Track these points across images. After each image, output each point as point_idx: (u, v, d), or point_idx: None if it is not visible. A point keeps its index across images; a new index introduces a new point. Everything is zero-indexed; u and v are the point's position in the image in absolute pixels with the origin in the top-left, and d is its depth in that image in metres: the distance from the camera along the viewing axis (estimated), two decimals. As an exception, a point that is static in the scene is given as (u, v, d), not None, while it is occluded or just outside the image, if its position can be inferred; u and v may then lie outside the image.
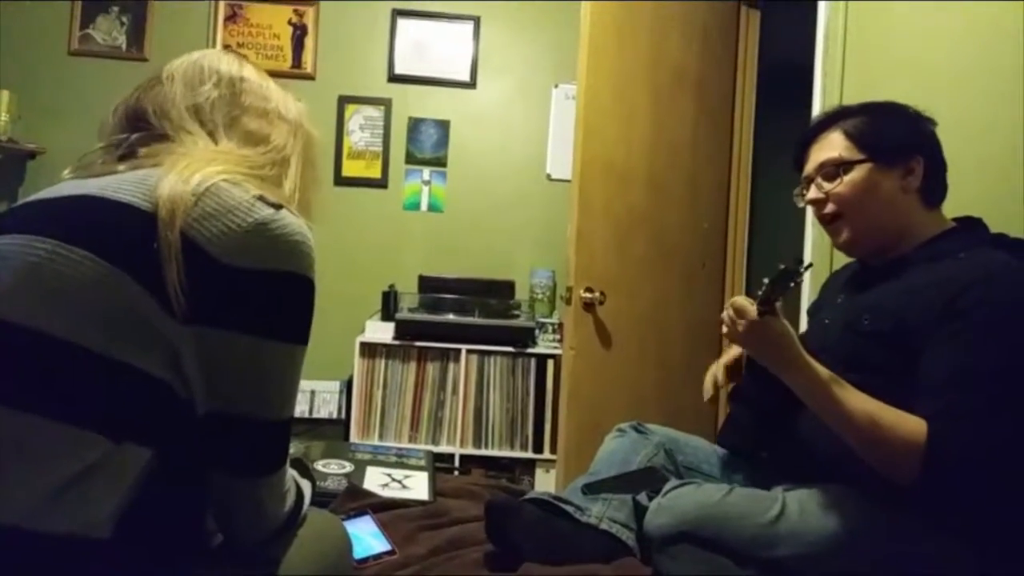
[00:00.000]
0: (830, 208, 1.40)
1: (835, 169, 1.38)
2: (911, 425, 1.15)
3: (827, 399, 1.20)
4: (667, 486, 1.36)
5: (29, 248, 0.79)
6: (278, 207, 0.86)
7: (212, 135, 0.95)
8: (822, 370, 1.21)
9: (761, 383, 1.37)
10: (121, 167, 0.91)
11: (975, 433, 1.14)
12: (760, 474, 1.53)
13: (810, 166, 1.44)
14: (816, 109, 2.18)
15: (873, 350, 1.28)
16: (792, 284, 1.16)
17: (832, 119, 1.43)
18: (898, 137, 1.37)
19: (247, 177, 0.89)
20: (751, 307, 1.21)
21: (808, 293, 2.17)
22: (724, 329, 1.29)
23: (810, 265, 1.18)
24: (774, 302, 1.19)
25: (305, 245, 0.87)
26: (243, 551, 0.91)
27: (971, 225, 1.37)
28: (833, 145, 1.39)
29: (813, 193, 1.43)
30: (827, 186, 1.39)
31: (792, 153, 1.50)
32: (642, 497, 1.45)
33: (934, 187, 1.37)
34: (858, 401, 1.18)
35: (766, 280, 1.18)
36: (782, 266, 1.15)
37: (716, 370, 1.63)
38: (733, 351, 1.60)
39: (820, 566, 1.20)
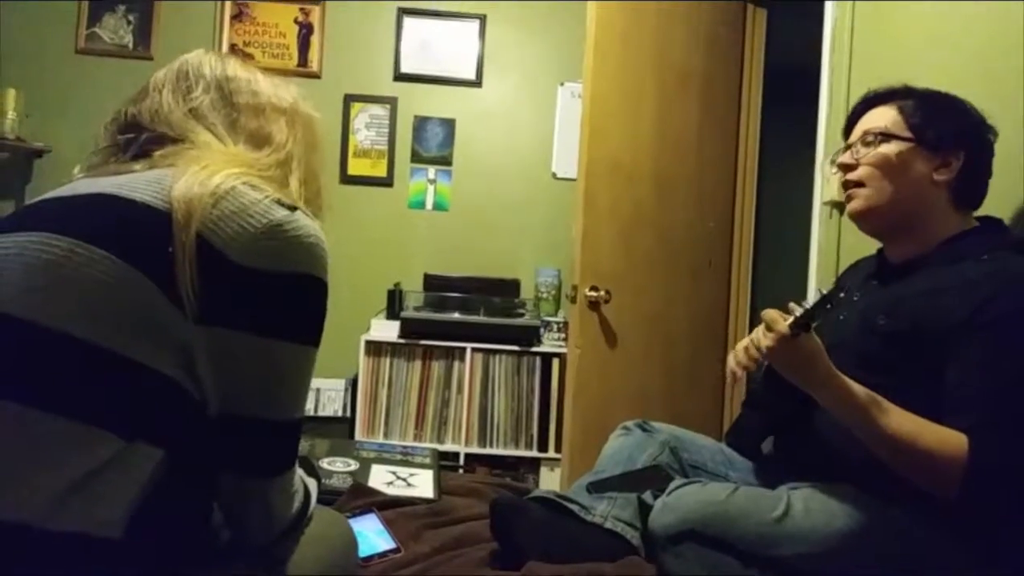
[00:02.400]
0: (858, 173, 1.39)
1: (876, 138, 1.37)
2: (951, 440, 1.14)
3: (863, 418, 1.18)
4: (672, 485, 1.36)
5: (45, 246, 0.79)
6: (293, 209, 0.86)
7: (220, 138, 0.95)
8: (856, 387, 1.18)
9: (776, 391, 1.36)
10: (136, 167, 0.91)
11: (1016, 445, 1.13)
12: (766, 474, 1.53)
13: (856, 133, 1.43)
14: (823, 108, 2.18)
15: (888, 350, 1.27)
16: (828, 307, 1.16)
17: (893, 94, 1.41)
18: (947, 128, 1.34)
19: (262, 179, 0.89)
20: (782, 320, 1.18)
21: (815, 285, 2.16)
22: (749, 341, 1.27)
23: (848, 290, 1.18)
24: (811, 325, 1.17)
25: (319, 247, 0.87)
26: (251, 550, 0.91)
27: (992, 225, 1.36)
28: (884, 117, 1.38)
29: (847, 157, 1.41)
30: (863, 151, 1.38)
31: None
32: (647, 496, 1.45)
33: (968, 189, 1.35)
34: (895, 418, 1.17)
35: (805, 304, 1.16)
36: (821, 291, 1.15)
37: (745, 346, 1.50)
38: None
39: (825, 565, 1.20)
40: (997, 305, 1.17)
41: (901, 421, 1.17)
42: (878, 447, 1.19)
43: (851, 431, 1.21)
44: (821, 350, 1.19)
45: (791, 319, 1.17)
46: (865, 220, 1.42)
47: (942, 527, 1.19)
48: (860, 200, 1.39)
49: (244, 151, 0.96)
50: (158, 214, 0.81)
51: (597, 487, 1.49)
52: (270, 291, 0.83)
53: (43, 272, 0.78)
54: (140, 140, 0.95)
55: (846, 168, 1.41)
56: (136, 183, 0.85)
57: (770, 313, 1.21)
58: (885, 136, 1.36)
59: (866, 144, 1.38)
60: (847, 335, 1.35)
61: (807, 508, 1.25)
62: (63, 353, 0.76)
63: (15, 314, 0.76)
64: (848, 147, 1.43)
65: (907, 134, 1.35)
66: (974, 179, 1.36)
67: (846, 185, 1.42)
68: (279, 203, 0.85)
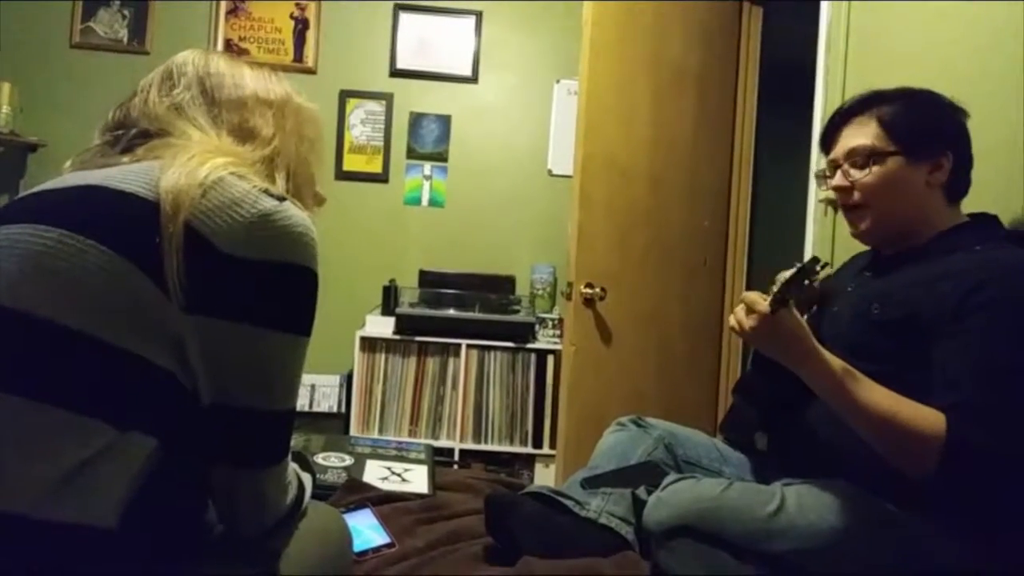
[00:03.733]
0: (856, 197, 1.38)
1: (865, 158, 1.36)
2: (929, 418, 1.15)
3: (842, 393, 1.19)
4: (666, 480, 1.36)
5: (35, 237, 0.80)
6: (282, 199, 0.87)
7: (202, 131, 0.96)
8: (837, 363, 1.20)
9: (765, 375, 1.37)
10: (124, 159, 0.92)
11: (994, 428, 1.13)
12: (761, 470, 1.53)
13: (839, 150, 1.41)
14: (818, 107, 2.18)
15: (882, 339, 1.28)
16: (807, 283, 1.16)
17: (868, 103, 1.39)
18: (931, 132, 1.34)
19: (251, 171, 0.90)
20: (763, 301, 1.20)
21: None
22: (732, 323, 1.27)
23: (826, 264, 1.18)
24: (788, 300, 1.18)
25: (308, 237, 0.87)
26: (244, 543, 0.92)
27: (984, 220, 1.37)
28: (866, 132, 1.36)
29: (839, 180, 1.40)
30: (855, 174, 1.37)
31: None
32: (641, 491, 1.45)
33: (958, 183, 1.36)
34: (874, 394, 1.18)
35: (781, 276, 1.17)
36: (798, 264, 1.15)
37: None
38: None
39: (818, 560, 1.20)
40: (985, 292, 1.18)
41: (880, 398, 1.17)
42: (857, 423, 1.20)
43: (845, 426, 1.22)
44: (801, 325, 1.21)
45: (770, 298, 1.18)
46: (871, 238, 1.42)
47: (936, 522, 1.19)
48: (866, 223, 1.38)
49: (228, 143, 0.96)
50: (147, 204, 0.81)
51: (591, 483, 1.49)
52: (259, 281, 0.83)
53: (34, 263, 0.78)
54: (128, 136, 0.96)
55: (842, 191, 1.40)
56: (125, 174, 0.86)
57: (750, 295, 1.23)
58: (874, 155, 1.35)
59: (856, 166, 1.37)
60: (841, 326, 1.36)
61: (801, 503, 1.25)
62: (55, 343, 0.76)
63: (7, 304, 0.77)
64: (835, 165, 1.42)
65: (894, 148, 1.34)
66: (964, 172, 1.36)
67: (844, 207, 1.41)
68: (268, 193, 0.86)
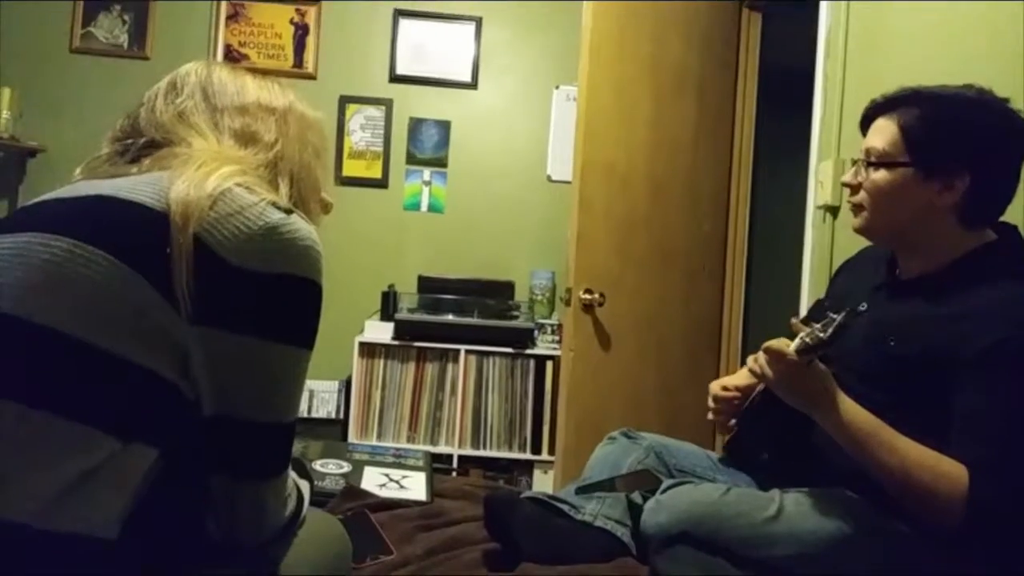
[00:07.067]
0: (858, 197, 1.35)
1: (872, 166, 1.31)
2: (952, 471, 1.13)
3: (864, 444, 1.17)
4: (665, 483, 1.36)
5: (45, 246, 0.80)
6: (289, 211, 0.87)
7: (203, 136, 0.96)
8: (859, 412, 1.18)
9: (776, 401, 1.35)
10: (133, 169, 0.92)
11: (1017, 486, 1.12)
12: (759, 481, 1.52)
13: (864, 144, 1.37)
14: (817, 112, 2.18)
15: (895, 371, 1.24)
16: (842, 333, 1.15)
17: (897, 103, 1.32)
18: (950, 148, 1.25)
19: (255, 180, 0.90)
20: (789, 350, 1.17)
21: (808, 288, 2.16)
22: (753, 367, 1.25)
23: (864, 311, 1.16)
24: (821, 351, 1.16)
25: (313, 250, 0.87)
26: (243, 553, 0.91)
27: (1008, 239, 1.30)
28: (884, 135, 1.31)
29: (849, 176, 1.37)
30: (863, 173, 1.33)
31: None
32: (635, 496, 1.45)
33: (978, 209, 1.26)
34: (896, 446, 1.16)
35: (817, 328, 1.15)
36: (834, 317, 1.14)
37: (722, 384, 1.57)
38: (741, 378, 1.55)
39: (817, 566, 1.20)
40: (1011, 343, 1.14)
41: (902, 450, 1.15)
42: (878, 473, 1.18)
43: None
44: (827, 375, 1.19)
45: (800, 344, 1.16)
46: (868, 236, 1.40)
47: (937, 535, 1.18)
48: (860, 221, 1.36)
49: (231, 149, 0.96)
50: (155, 215, 0.81)
51: (585, 491, 1.48)
52: (264, 293, 0.83)
53: (42, 272, 0.78)
54: (137, 145, 0.96)
55: (849, 187, 1.38)
56: (134, 185, 0.86)
57: (773, 344, 1.19)
58: (882, 161, 1.30)
59: (866, 165, 1.33)
60: (850, 348, 1.30)
61: (800, 509, 1.25)
62: (60, 352, 0.76)
63: (13, 313, 0.76)
64: (857, 160, 1.38)
65: (905, 158, 1.27)
66: (985, 199, 1.26)
67: (850, 202, 1.39)
68: (275, 206, 0.86)
